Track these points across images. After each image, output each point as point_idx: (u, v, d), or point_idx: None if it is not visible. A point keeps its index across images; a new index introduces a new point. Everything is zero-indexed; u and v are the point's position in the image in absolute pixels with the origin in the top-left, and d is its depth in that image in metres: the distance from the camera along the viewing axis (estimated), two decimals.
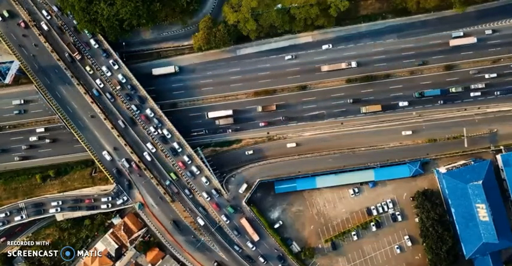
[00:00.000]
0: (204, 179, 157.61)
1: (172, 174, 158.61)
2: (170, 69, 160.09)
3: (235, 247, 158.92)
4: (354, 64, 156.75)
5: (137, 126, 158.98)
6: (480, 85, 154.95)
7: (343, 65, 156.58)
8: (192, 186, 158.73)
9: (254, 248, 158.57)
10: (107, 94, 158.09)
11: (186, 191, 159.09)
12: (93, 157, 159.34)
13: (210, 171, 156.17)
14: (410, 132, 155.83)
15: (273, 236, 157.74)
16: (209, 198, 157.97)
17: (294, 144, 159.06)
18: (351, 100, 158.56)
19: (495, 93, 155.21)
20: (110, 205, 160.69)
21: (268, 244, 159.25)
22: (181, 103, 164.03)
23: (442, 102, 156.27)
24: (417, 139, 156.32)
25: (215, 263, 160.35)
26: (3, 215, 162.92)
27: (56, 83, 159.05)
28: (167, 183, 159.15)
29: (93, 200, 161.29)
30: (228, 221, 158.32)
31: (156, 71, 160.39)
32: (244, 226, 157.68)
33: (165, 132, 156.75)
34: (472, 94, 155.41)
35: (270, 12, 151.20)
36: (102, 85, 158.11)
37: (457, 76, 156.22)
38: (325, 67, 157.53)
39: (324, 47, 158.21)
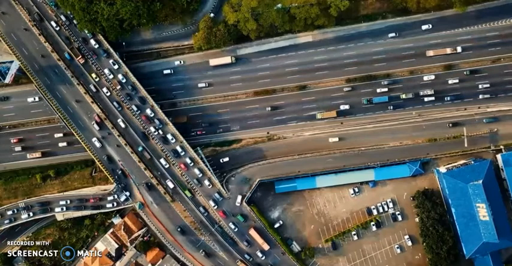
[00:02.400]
0: (207, 182, 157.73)
1: (187, 192, 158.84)
2: (227, 60, 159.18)
3: (246, 255, 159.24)
4: (459, 49, 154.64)
5: (150, 141, 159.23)
6: (429, 92, 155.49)
7: (448, 50, 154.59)
8: (196, 190, 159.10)
9: (264, 257, 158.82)
10: (115, 103, 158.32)
11: (201, 208, 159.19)
12: (93, 157, 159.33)
13: (210, 170, 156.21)
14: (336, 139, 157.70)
15: (274, 236, 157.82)
16: (216, 206, 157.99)
17: (227, 159, 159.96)
18: (269, 108, 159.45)
19: (445, 98, 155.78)
20: (115, 204, 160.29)
21: (278, 253, 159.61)
22: (181, 102, 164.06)
23: (392, 107, 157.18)
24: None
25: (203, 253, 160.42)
26: (10, 212, 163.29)
27: (56, 83, 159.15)
28: (140, 149, 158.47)
29: (98, 200, 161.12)
30: (237, 229, 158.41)
31: (214, 62, 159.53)
32: (254, 236, 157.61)
33: (169, 136, 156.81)
34: (426, 99, 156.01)
35: (270, 12, 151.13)
36: (108, 94, 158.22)
37: (457, 75, 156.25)
38: (430, 52, 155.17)
39: (424, 27, 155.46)
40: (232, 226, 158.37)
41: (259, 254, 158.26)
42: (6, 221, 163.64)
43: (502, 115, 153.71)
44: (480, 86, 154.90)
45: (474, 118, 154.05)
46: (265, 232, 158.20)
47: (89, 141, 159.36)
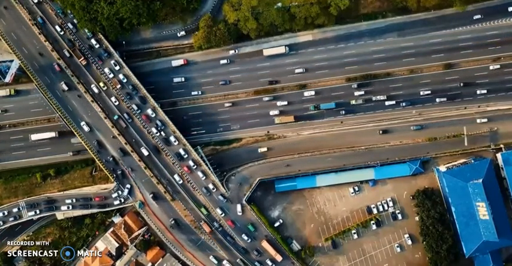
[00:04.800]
0: (211, 186, 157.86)
1: (202, 209, 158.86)
2: (281, 50, 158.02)
3: (256, 263, 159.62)
4: None
5: (161, 154, 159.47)
6: (382, 97, 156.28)
7: None
8: (198, 193, 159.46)
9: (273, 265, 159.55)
10: (125, 115, 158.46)
11: (215, 224, 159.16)
12: (94, 156, 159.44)
13: (210, 169, 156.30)
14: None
15: (274, 234, 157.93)
16: (223, 214, 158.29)
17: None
18: (185, 117, 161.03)
19: (401, 104, 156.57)
20: (122, 200, 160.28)
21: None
22: (181, 102, 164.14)
23: (344, 112, 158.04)
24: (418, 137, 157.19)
25: (172, 221, 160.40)
26: (16, 209, 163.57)
27: (56, 82, 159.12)
28: (115, 117, 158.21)
29: (103, 198, 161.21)
30: (250, 240, 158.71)
31: (267, 52, 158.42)
32: (266, 248, 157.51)
33: (172, 138, 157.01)
34: (387, 103, 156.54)
35: (270, 11, 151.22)
36: (117, 103, 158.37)
37: (456, 75, 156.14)
38: None
39: (476, 17, 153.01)
40: (245, 237, 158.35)
41: (269, 263, 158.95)
42: (11, 219, 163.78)
43: (502, 114, 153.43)
44: (421, 92, 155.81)
45: (407, 125, 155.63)
46: (277, 243, 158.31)
47: (82, 130, 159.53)
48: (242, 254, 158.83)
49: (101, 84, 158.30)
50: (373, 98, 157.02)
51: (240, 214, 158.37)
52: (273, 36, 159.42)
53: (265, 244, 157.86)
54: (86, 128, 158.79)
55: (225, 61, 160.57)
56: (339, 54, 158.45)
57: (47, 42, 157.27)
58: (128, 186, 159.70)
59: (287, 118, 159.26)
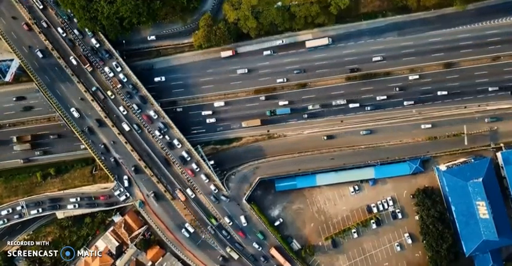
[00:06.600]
0: (212, 187, 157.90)
1: (212, 220, 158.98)
2: (324, 41, 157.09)
3: None
4: None
5: (172, 167, 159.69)
6: (341, 102, 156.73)
7: None
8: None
9: None
10: (134, 126, 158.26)
11: (224, 232, 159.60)
12: (94, 155, 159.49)
13: (210, 168, 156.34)
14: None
15: (274, 234, 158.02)
16: (231, 223, 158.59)
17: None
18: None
19: (366, 108, 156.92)
20: (128, 195, 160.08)
21: None
22: (181, 101, 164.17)
23: (306, 116, 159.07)
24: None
25: (152, 194, 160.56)
26: (19, 207, 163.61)
27: (57, 81, 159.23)
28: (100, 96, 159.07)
29: (108, 197, 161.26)
30: (260, 249, 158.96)
31: (310, 43, 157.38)
32: (275, 255, 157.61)
33: (175, 142, 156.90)
34: (351, 106, 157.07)
35: (270, 10, 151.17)
36: (125, 112, 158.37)
37: (455, 74, 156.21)
38: None
39: None
40: (256, 246, 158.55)
41: None
42: (16, 216, 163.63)
43: (502, 114, 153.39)
44: (378, 97, 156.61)
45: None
46: (285, 251, 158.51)
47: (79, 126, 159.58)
48: (251, 261, 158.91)
49: (109, 93, 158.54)
50: (333, 103, 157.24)
51: (245, 224, 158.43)
52: (273, 35, 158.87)
53: (274, 252, 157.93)
54: (76, 114, 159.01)
55: (268, 52, 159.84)
56: (339, 53, 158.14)
57: (47, 42, 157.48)
58: (126, 177, 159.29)
59: (253, 121, 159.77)
